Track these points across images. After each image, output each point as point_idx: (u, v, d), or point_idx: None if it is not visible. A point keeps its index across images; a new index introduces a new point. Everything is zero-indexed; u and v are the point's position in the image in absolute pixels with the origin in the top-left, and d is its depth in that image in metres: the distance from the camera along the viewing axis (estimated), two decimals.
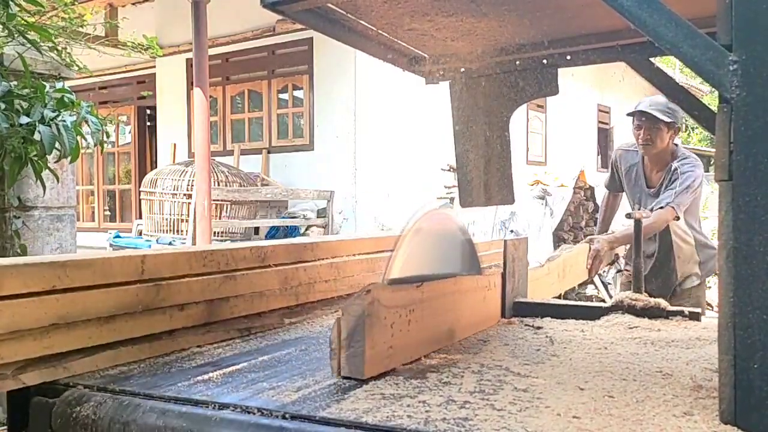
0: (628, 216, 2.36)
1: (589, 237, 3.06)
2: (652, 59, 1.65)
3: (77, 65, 3.47)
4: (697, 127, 19.23)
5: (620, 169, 3.20)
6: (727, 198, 0.83)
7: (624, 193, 3.29)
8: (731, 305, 0.82)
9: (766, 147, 0.80)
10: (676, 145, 3.05)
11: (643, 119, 2.93)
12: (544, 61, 1.67)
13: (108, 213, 9.83)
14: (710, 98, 13.43)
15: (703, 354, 1.25)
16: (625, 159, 3.17)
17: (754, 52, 0.81)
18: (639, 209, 2.95)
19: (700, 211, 3.12)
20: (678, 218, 2.87)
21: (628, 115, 3.05)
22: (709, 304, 6.42)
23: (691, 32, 0.85)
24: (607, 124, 12.22)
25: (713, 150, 0.89)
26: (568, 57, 1.64)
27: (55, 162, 2.68)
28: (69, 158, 2.55)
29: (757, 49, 0.81)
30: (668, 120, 2.86)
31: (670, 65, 12.44)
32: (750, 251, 0.81)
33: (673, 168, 2.93)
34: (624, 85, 11.54)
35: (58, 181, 2.86)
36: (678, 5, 0.87)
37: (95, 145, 2.75)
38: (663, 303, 1.63)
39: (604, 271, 3.35)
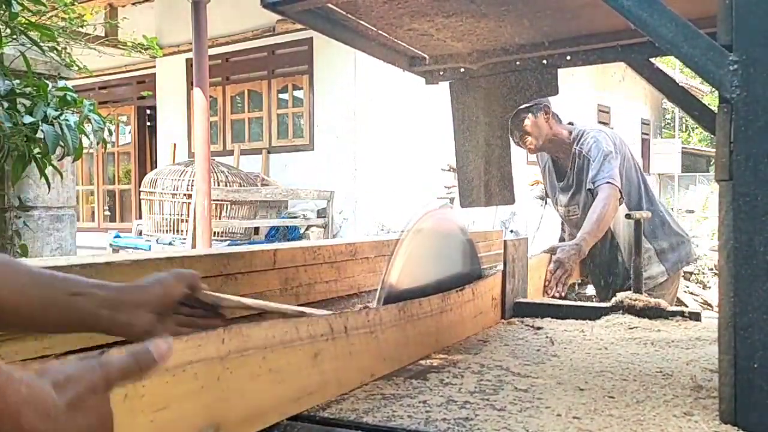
0: (628, 216, 2.33)
1: (550, 246, 2.43)
2: (652, 59, 1.66)
3: (77, 65, 3.47)
4: (697, 127, 19.23)
5: (541, 171, 2.83)
6: (727, 198, 0.83)
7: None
8: (732, 305, 0.82)
9: (766, 147, 0.80)
10: (571, 124, 2.64)
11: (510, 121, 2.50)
12: (544, 61, 1.68)
13: (108, 213, 9.83)
14: (710, 98, 13.44)
15: (703, 354, 1.25)
16: (540, 160, 2.81)
17: (754, 52, 0.81)
18: (557, 208, 2.70)
19: (644, 187, 2.64)
20: (622, 197, 2.45)
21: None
22: (708, 304, 6.43)
23: (692, 32, 0.85)
24: (607, 124, 12.22)
25: (713, 150, 0.89)
26: (568, 57, 1.64)
27: (58, 161, 2.69)
28: (72, 157, 2.56)
29: (757, 50, 0.81)
30: (525, 106, 2.35)
31: (670, 65, 12.45)
32: (750, 251, 0.81)
33: (574, 152, 2.54)
34: (624, 85, 11.55)
35: (62, 177, 2.87)
36: (678, 5, 0.87)
37: (98, 143, 2.76)
38: (663, 303, 1.63)
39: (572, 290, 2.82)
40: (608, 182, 2.39)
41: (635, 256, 2.05)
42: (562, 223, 2.92)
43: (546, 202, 2.98)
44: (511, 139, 2.42)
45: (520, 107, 2.32)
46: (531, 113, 2.48)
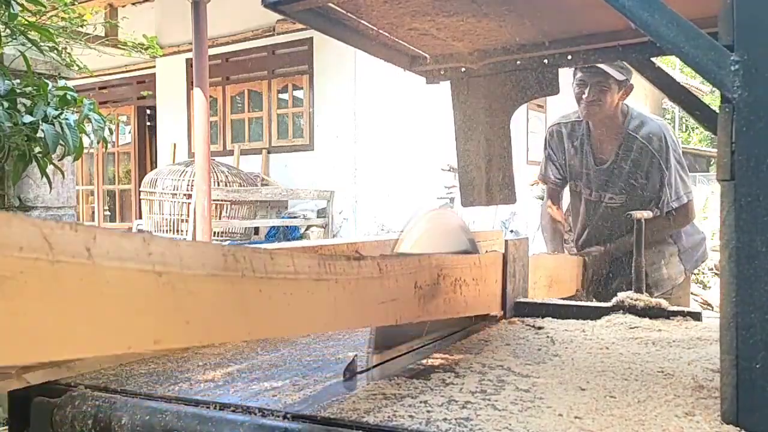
0: (628, 216, 2.32)
1: (587, 250, 2.57)
2: (653, 59, 1.66)
3: (77, 65, 3.47)
4: (697, 127, 19.24)
5: (560, 148, 2.63)
6: (728, 198, 0.83)
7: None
8: (733, 305, 0.82)
9: (767, 147, 0.80)
10: (627, 105, 2.51)
11: (587, 74, 2.35)
12: (545, 61, 1.67)
13: (108, 213, 9.83)
14: (711, 98, 13.44)
15: (705, 354, 1.25)
16: (565, 134, 2.61)
17: (755, 52, 0.81)
18: (590, 193, 2.57)
19: None
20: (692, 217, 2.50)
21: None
22: (709, 304, 6.42)
23: (693, 32, 0.85)
24: None
25: (714, 150, 0.89)
26: (569, 57, 1.64)
27: (58, 160, 2.69)
28: (72, 156, 2.56)
29: (759, 49, 0.81)
30: (621, 78, 2.34)
31: (670, 65, 12.44)
32: (752, 251, 0.81)
33: (629, 137, 2.41)
34: None
35: (63, 176, 2.87)
36: (679, 5, 0.87)
37: (98, 142, 2.76)
38: (664, 303, 1.63)
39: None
40: (688, 200, 2.42)
41: (636, 255, 2.05)
42: (569, 226, 2.78)
43: (562, 186, 2.81)
44: (575, 89, 2.41)
45: (613, 75, 2.31)
46: (619, 86, 2.37)
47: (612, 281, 2.55)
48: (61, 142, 2.41)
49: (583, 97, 2.38)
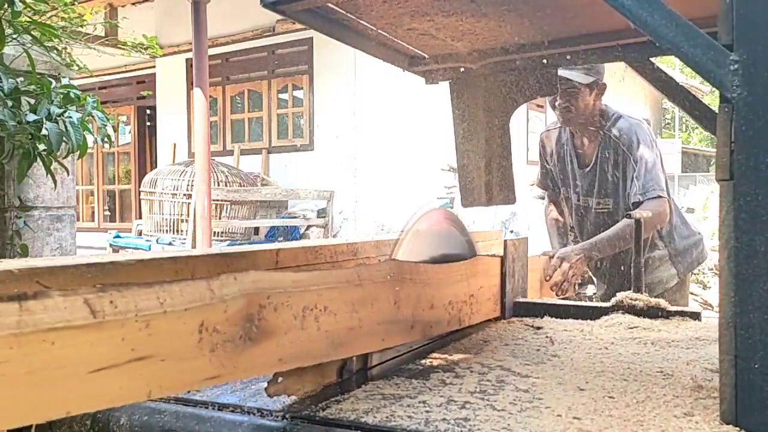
0: (628, 216, 2.31)
1: (561, 252, 2.32)
2: (652, 59, 1.65)
3: (77, 65, 3.47)
4: (697, 127, 19.23)
5: (548, 155, 2.64)
6: (728, 198, 0.83)
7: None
8: (732, 305, 0.82)
9: (767, 146, 0.80)
10: (605, 105, 2.47)
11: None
12: (544, 61, 1.67)
13: (108, 213, 9.84)
14: (710, 98, 13.44)
15: (704, 354, 1.25)
16: (553, 140, 2.61)
17: (755, 51, 0.81)
18: (578, 198, 2.51)
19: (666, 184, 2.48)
20: (672, 209, 2.36)
21: None
22: (708, 304, 6.42)
23: (692, 32, 0.85)
24: None
25: (713, 150, 0.89)
26: (568, 57, 1.64)
27: (62, 158, 2.69)
28: (77, 154, 2.56)
29: (758, 49, 0.81)
30: (586, 81, 2.33)
31: (670, 65, 12.44)
32: (751, 251, 0.81)
33: (605, 136, 2.39)
34: (624, 85, 11.55)
35: (68, 173, 2.87)
36: (679, 5, 0.87)
37: (102, 140, 2.77)
38: (663, 303, 1.63)
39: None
40: (660, 195, 2.27)
41: (635, 255, 2.05)
42: (571, 226, 2.68)
43: (558, 193, 2.76)
44: (552, 98, 2.34)
45: (573, 79, 2.28)
46: (589, 88, 2.34)
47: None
48: (64, 140, 2.41)
49: (556, 103, 2.39)
